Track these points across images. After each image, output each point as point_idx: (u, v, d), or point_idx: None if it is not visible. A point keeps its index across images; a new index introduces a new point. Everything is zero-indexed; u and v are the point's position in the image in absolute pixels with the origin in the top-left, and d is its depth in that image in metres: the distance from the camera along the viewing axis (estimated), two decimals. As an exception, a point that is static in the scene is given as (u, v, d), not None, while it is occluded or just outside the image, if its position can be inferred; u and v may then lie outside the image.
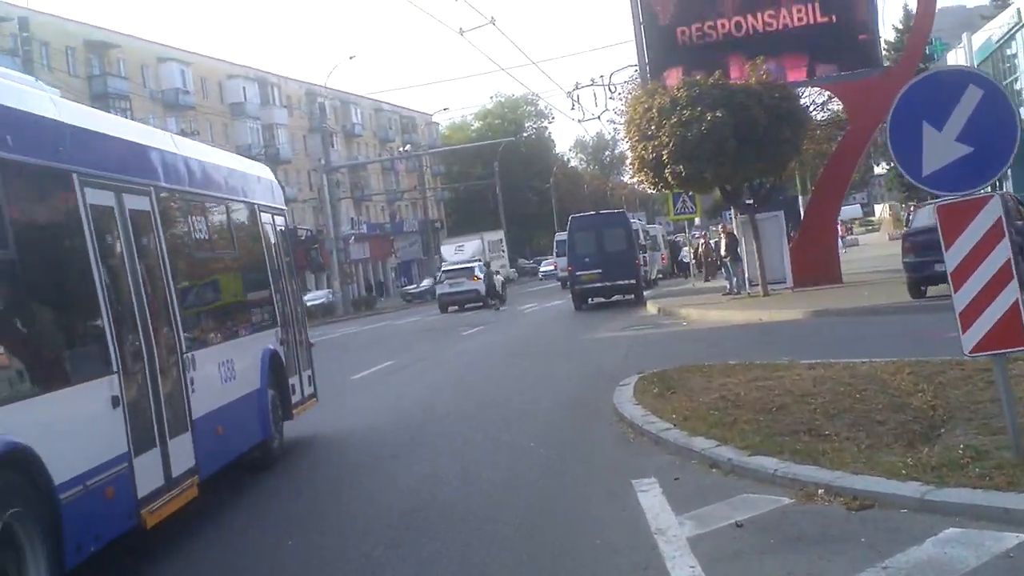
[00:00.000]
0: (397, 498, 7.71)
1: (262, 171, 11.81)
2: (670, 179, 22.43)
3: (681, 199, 30.25)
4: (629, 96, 27.92)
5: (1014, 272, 6.17)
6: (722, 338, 16.84)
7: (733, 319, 19.78)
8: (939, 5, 25.35)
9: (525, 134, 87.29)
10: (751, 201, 24.64)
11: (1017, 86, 41.68)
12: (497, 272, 41.96)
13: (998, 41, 44.19)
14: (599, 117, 39.82)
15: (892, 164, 62.91)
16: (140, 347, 6.94)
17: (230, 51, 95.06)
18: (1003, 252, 6.17)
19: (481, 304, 37.52)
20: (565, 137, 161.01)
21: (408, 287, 63.80)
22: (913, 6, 31.06)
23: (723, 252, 26.47)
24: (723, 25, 25.13)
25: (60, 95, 7.29)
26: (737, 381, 10.39)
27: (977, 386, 8.32)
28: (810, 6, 24.80)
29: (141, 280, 7.18)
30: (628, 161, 26.03)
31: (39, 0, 55.55)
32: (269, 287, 10.59)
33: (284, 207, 12.20)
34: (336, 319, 45.33)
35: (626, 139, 24.55)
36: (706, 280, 34.82)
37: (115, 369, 6.46)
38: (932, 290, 17.66)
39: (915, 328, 14.68)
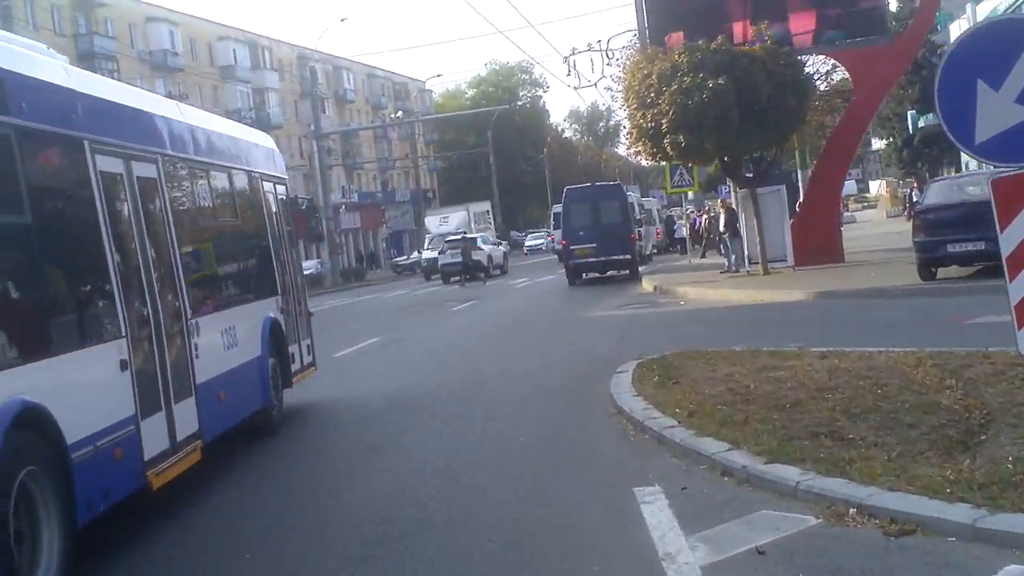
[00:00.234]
0: (369, 503, 6.91)
1: (264, 140, 11.83)
2: (669, 149, 21.53)
3: (679, 171, 29.34)
4: (627, 62, 26.94)
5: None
6: (723, 320, 16.06)
7: (733, 299, 18.97)
8: (943, -25, 24.42)
9: (519, 103, 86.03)
10: (750, 175, 23.79)
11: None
12: (478, 246, 40.85)
13: (1005, 12, 43.06)
14: (596, 84, 38.58)
15: (890, 139, 62.12)
16: (147, 312, 7.09)
17: (220, 12, 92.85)
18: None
19: (483, 275, 37.16)
20: (560, 107, 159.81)
21: (398, 258, 62.85)
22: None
23: (722, 228, 25.60)
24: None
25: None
26: (744, 370, 9.59)
27: (1014, 384, 7.48)
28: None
29: (148, 246, 7.32)
30: (626, 130, 25.07)
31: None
32: (270, 256, 10.69)
33: (285, 176, 12.24)
34: (324, 291, 44.35)
35: (624, 107, 23.60)
36: (702, 256, 34.00)
37: (123, 333, 6.60)
38: (942, 272, 16.88)
39: (928, 313, 13.93)
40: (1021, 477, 5.31)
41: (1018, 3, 41.35)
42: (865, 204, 72.84)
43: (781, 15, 23.51)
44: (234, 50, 63.90)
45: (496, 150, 73.39)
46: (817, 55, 25.69)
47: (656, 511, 5.83)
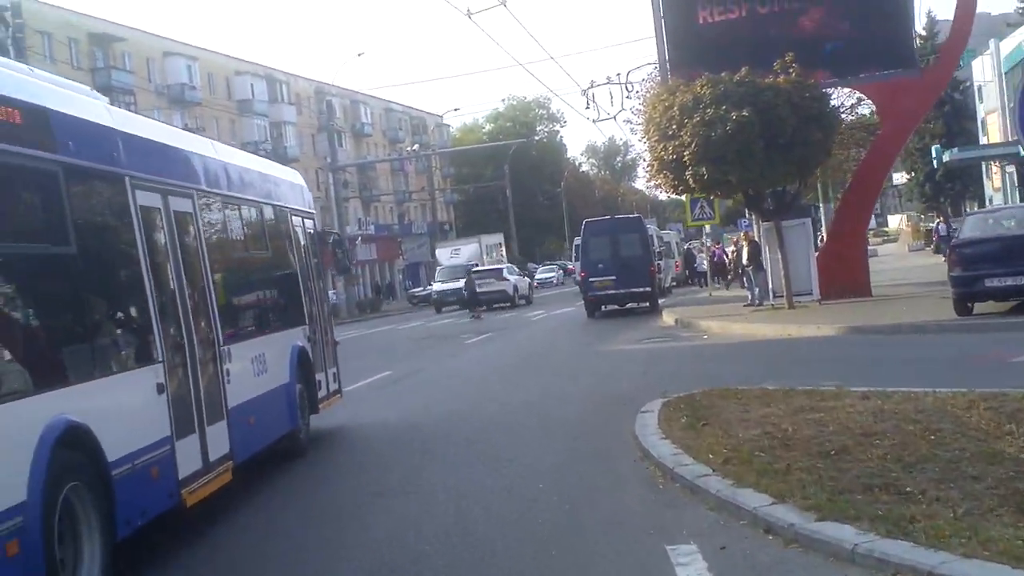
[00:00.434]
0: (369, 555, 6.29)
1: (293, 176, 12.31)
2: (691, 182, 20.95)
3: (699, 204, 28.86)
4: (647, 95, 26.47)
5: None
6: (750, 355, 15.37)
7: (759, 334, 18.28)
8: (964, 12, 23.81)
9: (537, 137, 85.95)
10: (772, 208, 23.16)
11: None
12: (504, 276, 40.93)
13: (1030, 48, 42.56)
14: (615, 117, 38.03)
15: (912, 173, 61.48)
16: (182, 339, 7.45)
17: (238, 47, 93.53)
18: None
19: (509, 304, 38.13)
20: (577, 141, 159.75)
21: (415, 290, 62.32)
22: (937, 13, 29.53)
23: (745, 261, 24.94)
24: (748, 12, 23.57)
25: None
26: (780, 412, 8.94)
27: (1082, 430, 6.85)
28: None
29: (183, 277, 7.71)
30: (646, 163, 24.47)
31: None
32: (298, 286, 11.09)
33: (313, 211, 12.67)
34: (339, 321, 43.40)
35: (644, 139, 23.07)
36: (726, 288, 33.29)
37: (160, 358, 6.97)
38: (978, 307, 16.17)
39: (966, 350, 13.27)
40: (1116, 542, 4.65)
41: (1046, 36, 40.91)
42: (885, 238, 71.99)
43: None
44: (252, 84, 64.03)
45: (513, 184, 73.11)
46: (843, 87, 25.14)
47: (693, 575, 5.18)
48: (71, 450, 5.51)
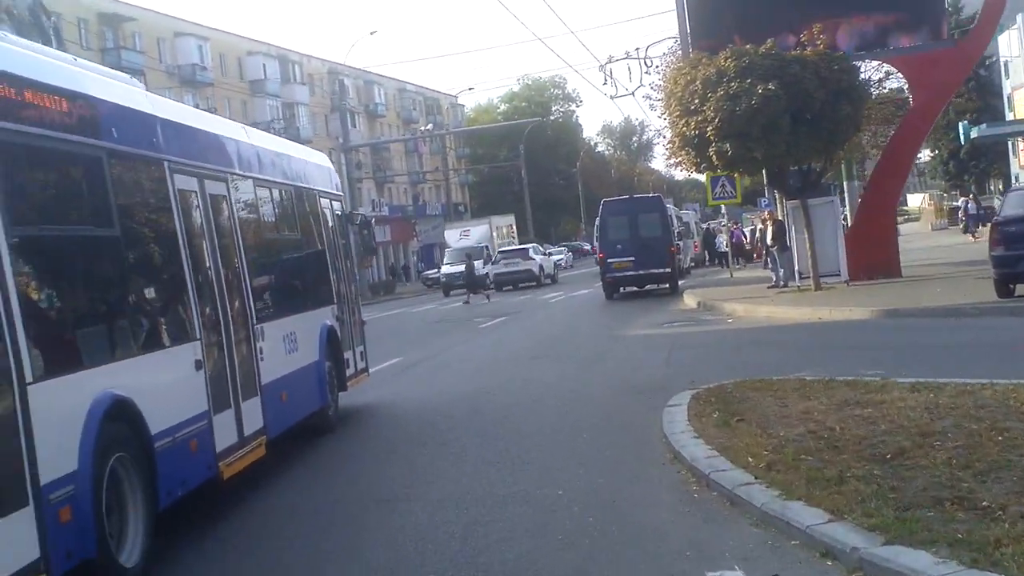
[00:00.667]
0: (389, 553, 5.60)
1: (321, 159, 12.57)
2: (715, 159, 20.06)
3: (720, 182, 27.87)
4: (668, 69, 25.54)
5: None
6: (779, 341, 14.52)
7: (787, 317, 17.44)
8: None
9: (552, 117, 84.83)
10: (798, 186, 22.26)
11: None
12: (530, 256, 40.87)
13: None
14: (633, 93, 36.94)
15: (935, 151, 60.33)
16: (218, 317, 7.73)
17: (250, 26, 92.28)
18: None
19: (535, 284, 38.49)
20: (592, 121, 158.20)
21: (429, 271, 61.58)
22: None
23: (769, 241, 24.06)
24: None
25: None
26: (822, 406, 8.17)
27: None
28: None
29: (218, 257, 7.97)
30: (666, 140, 23.55)
31: (53, -30, 53.70)
32: (327, 267, 11.35)
33: (340, 193, 12.92)
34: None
35: (665, 115, 22.15)
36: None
37: (198, 336, 7.25)
38: (1020, 288, 15.29)
39: (1015, 334, 12.44)
40: None
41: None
42: (907, 217, 70.70)
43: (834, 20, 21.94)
44: (264, 64, 63.17)
45: (528, 164, 72.12)
46: (872, 60, 24.12)
47: (743, 612, 4.43)
48: (117, 422, 5.78)
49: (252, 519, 7.30)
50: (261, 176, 9.59)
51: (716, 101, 19.15)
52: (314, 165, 11.91)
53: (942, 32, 22.86)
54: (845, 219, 27.79)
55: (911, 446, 6.47)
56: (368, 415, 11.64)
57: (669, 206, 34.67)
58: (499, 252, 42.18)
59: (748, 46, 19.90)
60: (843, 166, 33.67)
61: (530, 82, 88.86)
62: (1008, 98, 53.65)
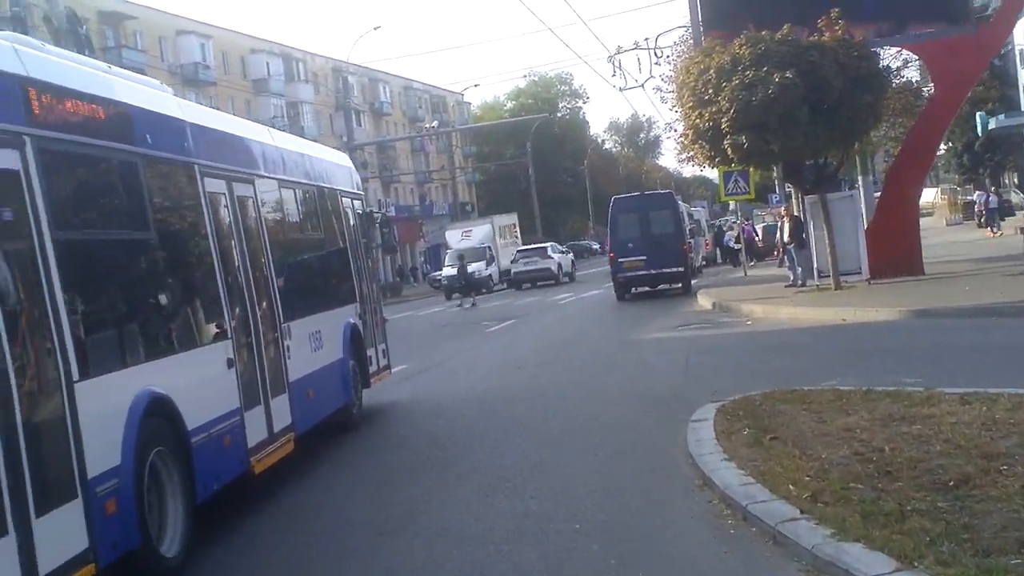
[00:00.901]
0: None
1: (342, 158, 12.83)
2: (730, 152, 19.19)
3: (733, 178, 26.99)
4: (679, 59, 24.72)
5: None
6: (805, 345, 13.67)
7: (809, 318, 16.59)
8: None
9: (559, 114, 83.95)
10: (812, 179, 21.41)
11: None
12: (548, 254, 41.07)
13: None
14: (643, 85, 36.10)
15: (949, 143, 59.39)
16: (247, 316, 7.94)
17: (253, 24, 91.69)
18: None
19: (554, 282, 39.10)
20: (599, 118, 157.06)
21: (435, 273, 60.77)
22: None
23: (786, 238, 23.20)
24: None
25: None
26: (864, 422, 7.37)
27: None
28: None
29: (247, 258, 8.17)
30: (678, 134, 22.72)
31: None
32: (350, 266, 11.52)
33: (361, 192, 13.00)
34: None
35: (677, 107, 21.31)
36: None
37: (229, 335, 7.47)
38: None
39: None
40: None
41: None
42: (920, 212, 69.59)
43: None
44: (267, 63, 62.46)
45: (535, 162, 71.29)
46: (891, 46, 23.26)
47: None
48: (156, 418, 5.99)
49: (280, 515, 7.48)
50: (285, 177, 9.78)
51: (731, 91, 18.28)
52: (335, 164, 12.08)
53: (964, 19, 21.98)
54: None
55: (975, 472, 5.68)
56: (390, 415, 11.64)
57: (680, 203, 33.85)
58: (518, 251, 43.25)
59: (764, 32, 19.07)
60: (857, 160, 32.83)
61: (536, 79, 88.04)
62: (1024, 88, 52.59)
